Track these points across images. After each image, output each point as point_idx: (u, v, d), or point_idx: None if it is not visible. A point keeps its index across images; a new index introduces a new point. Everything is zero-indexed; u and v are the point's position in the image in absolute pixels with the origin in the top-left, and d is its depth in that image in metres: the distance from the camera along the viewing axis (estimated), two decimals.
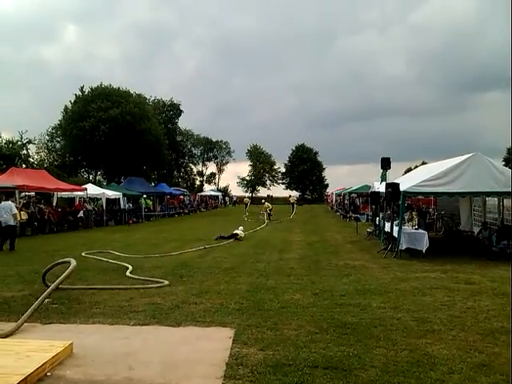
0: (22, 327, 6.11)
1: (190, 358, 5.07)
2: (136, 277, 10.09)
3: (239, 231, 19.42)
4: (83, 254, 13.79)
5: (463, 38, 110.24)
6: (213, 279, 9.86)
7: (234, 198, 74.32)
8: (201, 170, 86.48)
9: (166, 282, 9.36)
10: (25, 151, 45.86)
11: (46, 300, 7.58)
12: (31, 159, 47.05)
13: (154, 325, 6.39)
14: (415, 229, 14.02)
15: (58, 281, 7.65)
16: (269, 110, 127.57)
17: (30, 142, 46.59)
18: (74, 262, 7.92)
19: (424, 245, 13.12)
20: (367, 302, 7.63)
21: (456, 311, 7.06)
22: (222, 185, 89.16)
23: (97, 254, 13.93)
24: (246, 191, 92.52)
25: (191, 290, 8.64)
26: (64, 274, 7.69)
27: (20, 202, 21.36)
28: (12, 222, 15.78)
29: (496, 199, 15.90)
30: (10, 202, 16.30)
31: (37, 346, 5.04)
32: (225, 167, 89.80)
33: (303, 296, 8.16)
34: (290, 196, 60.07)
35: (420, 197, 20.78)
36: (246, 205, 46.79)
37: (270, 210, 33.34)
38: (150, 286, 9.13)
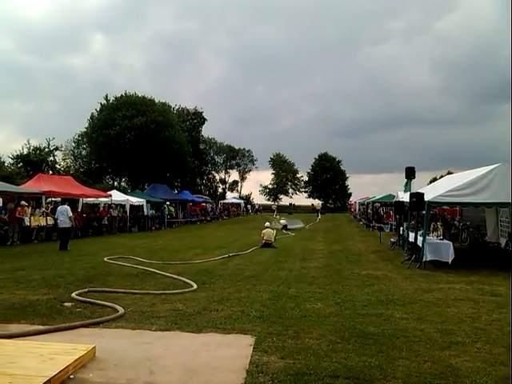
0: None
1: (211, 365, 5.08)
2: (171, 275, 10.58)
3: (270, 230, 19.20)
4: (105, 259, 13.98)
5: (488, 48, 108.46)
6: (234, 286, 9.88)
7: (257, 206, 74.37)
8: (223, 177, 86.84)
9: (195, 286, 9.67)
10: (52, 158, 47.08)
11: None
12: (58, 166, 48.20)
13: (176, 330, 6.42)
14: (440, 239, 13.82)
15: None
16: (291, 119, 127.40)
17: (56, 148, 47.79)
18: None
19: (450, 255, 12.92)
20: (390, 313, 7.54)
21: (481, 323, 6.92)
22: (244, 192, 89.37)
23: (118, 259, 14.08)
24: (269, 199, 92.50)
25: (213, 297, 8.67)
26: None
27: (48, 208, 21.79)
28: (67, 224, 17.18)
29: None
30: (66, 206, 17.69)
31: (60, 348, 5.11)
32: (247, 175, 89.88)
33: (325, 305, 8.11)
34: (312, 205, 61.29)
35: (445, 207, 20.46)
36: (274, 211, 47.48)
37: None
38: (174, 291, 9.21)
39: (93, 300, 8.18)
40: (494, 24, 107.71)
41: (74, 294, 8.54)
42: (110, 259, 13.97)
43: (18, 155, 43.15)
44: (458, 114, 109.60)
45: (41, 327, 6.39)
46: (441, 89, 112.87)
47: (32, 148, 44.18)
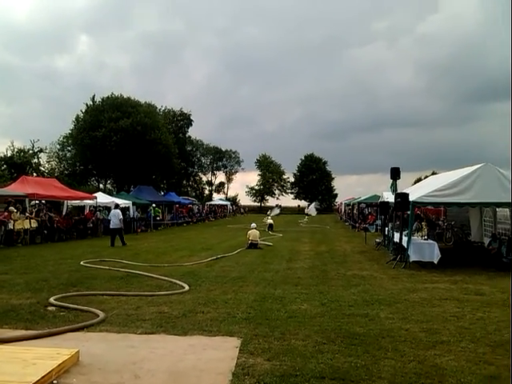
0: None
1: (197, 367, 5.05)
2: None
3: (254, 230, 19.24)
4: (82, 263, 13.66)
5: (471, 49, 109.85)
6: (220, 288, 9.84)
7: (242, 210, 74.84)
8: (210, 179, 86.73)
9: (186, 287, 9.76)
10: (36, 160, 46.44)
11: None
12: (42, 168, 47.65)
13: (161, 333, 6.38)
14: (424, 239, 13.93)
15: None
16: (277, 120, 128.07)
17: (41, 150, 47.21)
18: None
19: (435, 255, 13.04)
20: (375, 313, 7.58)
21: (465, 322, 6.98)
22: (230, 194, 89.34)
23: (97, 263, 13.82)
24: (255, 200, 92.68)
25: (198, 299, 8.63)
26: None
27: (32, 212, 21.55)
28: (117, 226, 20.20)
29: (507, 210, 15.76)
30: (118, 210, 21.00)
31: (43, 353, 5.04)
32: (234, 177, 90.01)
33: (311, 306, 8.12)
34: (298, 206, 61.92)
35: (429, 207, 20.66)
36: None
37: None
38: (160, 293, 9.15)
39: (67, 304, 7.96)
40: (477, 25, 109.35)
41: (51, 299, 8.28)
42: (87, 263, 13.66)
43: (1, 157, 42.58)
44: (441, 115, 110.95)
45: (18, 334, 6.27)
46: (424, 90, 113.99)
47: (16, 150, 43.64)
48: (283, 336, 6.18)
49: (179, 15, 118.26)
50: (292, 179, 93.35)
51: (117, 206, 22.44)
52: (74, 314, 7.43)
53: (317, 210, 61.57)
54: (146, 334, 6.36)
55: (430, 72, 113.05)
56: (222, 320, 7.06)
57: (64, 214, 26.05)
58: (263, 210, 72.90)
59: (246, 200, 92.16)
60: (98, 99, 48.68)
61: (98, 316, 7.12)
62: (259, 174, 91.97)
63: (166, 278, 10.97)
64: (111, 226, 20.57)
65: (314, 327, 6.64)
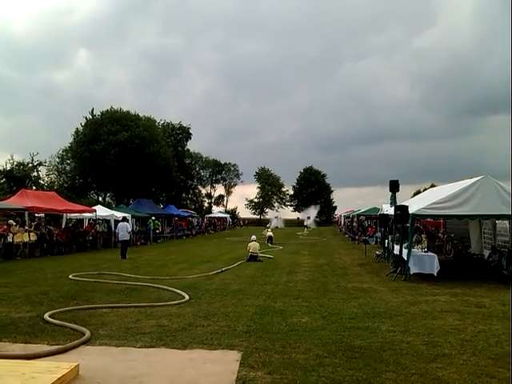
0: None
1: (197, 382, 5.02)
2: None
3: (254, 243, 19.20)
4: (71, 276, 13.57)
5: (466, 63, 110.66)
6: (220, 301, 9.81)
7: (242, 223, 74.91)
8: (209, 192, 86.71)
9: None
10: (35, 173, 46.47)
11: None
12: (41, 181, 47.64)
13: (161, 347, 6.34)
14: (424, 251, 13.91)
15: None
16: (275, 133, 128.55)
17: (40, 164, 47.27)
18: None
19: (435, 268, 13.01)
20: (376, 326, 7.55)
21: (467, 335, 6.96)
22: (230, 207, 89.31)
23: (97, 276, 13.79)
24: (254, 213, 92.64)
25: (198, 312, 8.60)
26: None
27: (31, 225, 21.53)
28: (126, 238, 21.05)
29: (506, 222, 15.77)
30: (126, 223, 21.76)
31: (43, 367, 5.01)
32: (233, 189, 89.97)
33: (311, 319, 8.09)
34: (298, 218, 61.94)
35: (429, 219, 20.65)
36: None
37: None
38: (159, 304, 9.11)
39: (60, 322, 7.66)
40: (471, 39, 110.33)
41: (46, 316, 8.06)
42: (77, 276, 13.55)
43: (0, 171, 42.60)
44: (438, 128, 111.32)
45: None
46: (421, 103, 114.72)
47: (15, 163, 43.69)
48: (284, 349, 6.15)
49: (177, 30, 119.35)
50: (291, 192, 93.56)
51: (124, 219, 23.04)
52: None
53: (315, 221, 61.79)
54: (145, 347, 6.32)
55: (425, 86, 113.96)
56: (222, 333, 7.03)
57: (64, 226, 26.01)
58: (262, 223, 72.83)
59: (245, 212, 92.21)
60: (97, 113, 48.93)
61: (84, 334, 6.82)
62: (258, 187, 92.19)
63: (170, 288, 11.09)
64: (120, 239, 21.24)
65: (315, 340, 6.61)
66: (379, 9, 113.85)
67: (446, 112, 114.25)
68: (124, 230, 21.09)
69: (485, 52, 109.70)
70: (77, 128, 48.47)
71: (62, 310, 8.65)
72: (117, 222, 29.44)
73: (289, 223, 77.07)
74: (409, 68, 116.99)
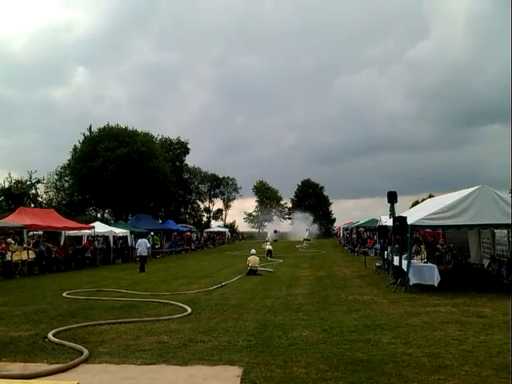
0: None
1: None
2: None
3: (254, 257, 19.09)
4: (64, 294, 13.49)
5: (461, 73, 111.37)
6: (220, 316, 9.77)
7: (240, 237, 74.93)
8: (208, 206, 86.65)
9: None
10: (34, 191, 46.56)
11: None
12: (40, 198, 47.72)
13: (161, 364, 6.31)
14: (424, 262, 13.90)
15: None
16: (273, 147, 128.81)
17: (38, 181, 47.42)
18: None
19: (435, 278, 12.99)
20: (377, 338, 7.52)
21: (468, 346, 6.93)
22: (228, 221, 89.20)
23: (96, 293, 13.80)
24: (253, 227, 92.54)
25: (198, 328, 8.56)
26: None
27: (30, 243, 21.47)
28: (145, 253, 22.35)
29: (505, 231, 15.78)
30: (145, 240, 23.50)
31: None
32: (231, 203, 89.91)
33: (312, 332, 8.05)
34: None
35: (428, 230, 20.66)
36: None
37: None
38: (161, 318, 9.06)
39: (58, 340, 7.57)
40: (465, 50, 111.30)
41: (49, 335, 7.98)
42: (70, 294, 13.47)
43: None
44: (434, 139, 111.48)
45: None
46: (417, 114, 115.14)
47: (13, 181, 43.76)
48: (285, 364, 6.12)
49: (175, 46, 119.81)
50: (290, 204, 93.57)
51: (143, 235, 26.38)
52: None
53: (310, 233, 61.97)
54: (145, 364, 6.29)
55: (420, 97, 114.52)
56: (222, 349, 7.00)
57: (62, 244, 25.95)
58: (261, 236, 72.72)
59: (244, 226, 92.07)
60: (94, 129, 49.11)
61: (82, 353, 6.73)
62: (257, 201, 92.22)
63: (171, 302, 11.23)
64: (139, 254, 22.44)
65: (316, 354, 6.58)
66: (374, 21, 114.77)
67: (442, 123, 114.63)
68: (143, 246, 22.27)
69: (479, 62, 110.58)
70: (75, 145, 48.75)
71: (63, 328, 8.60)
72: (116, 237, 29.62)
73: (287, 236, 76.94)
74: (404, 79, 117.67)
